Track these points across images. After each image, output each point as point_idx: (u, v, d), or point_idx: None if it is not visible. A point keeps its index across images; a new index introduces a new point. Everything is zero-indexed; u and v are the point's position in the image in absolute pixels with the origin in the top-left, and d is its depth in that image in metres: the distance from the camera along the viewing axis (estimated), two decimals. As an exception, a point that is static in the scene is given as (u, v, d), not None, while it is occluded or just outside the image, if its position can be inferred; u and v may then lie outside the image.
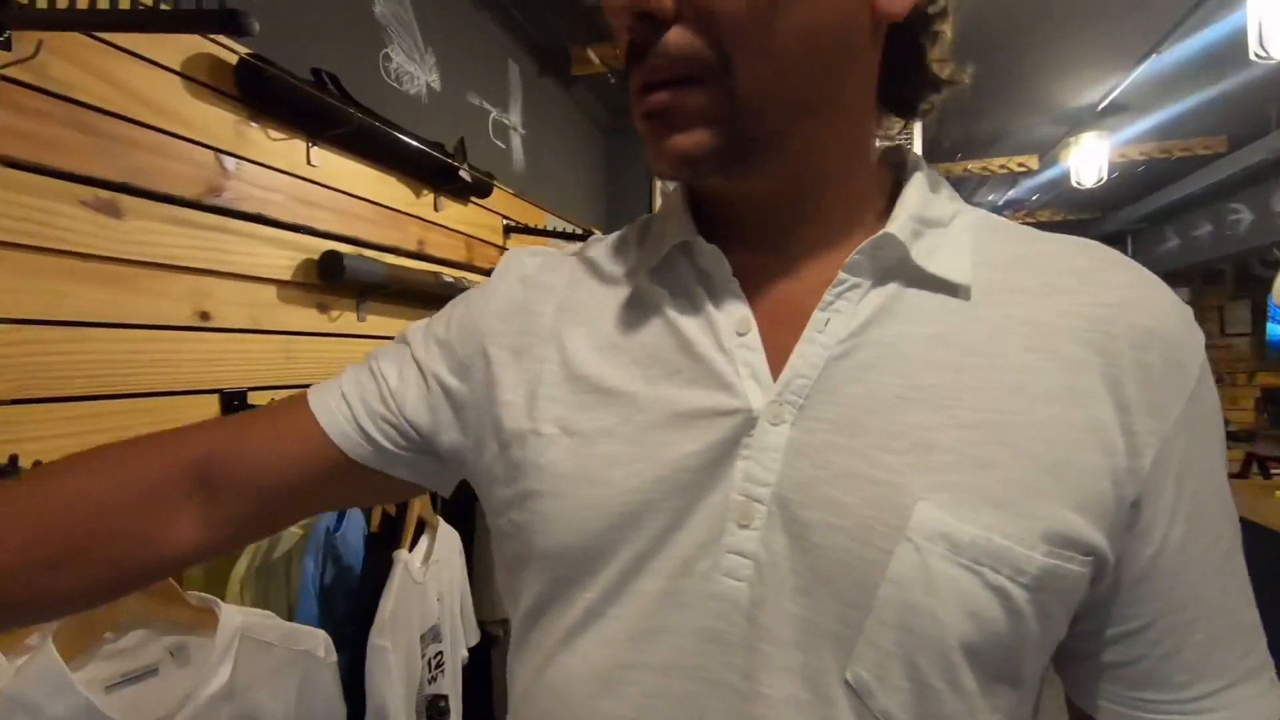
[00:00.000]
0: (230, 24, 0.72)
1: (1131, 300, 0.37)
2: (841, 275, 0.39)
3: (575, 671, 0.40)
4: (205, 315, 1.13)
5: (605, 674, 0.39)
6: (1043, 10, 2.47)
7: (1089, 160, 3.45)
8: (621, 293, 0.45)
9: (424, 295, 1.65)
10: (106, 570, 0.45)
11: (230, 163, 1.18)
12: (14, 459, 0.70)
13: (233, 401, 1.17)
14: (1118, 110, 3.35)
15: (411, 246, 1.67)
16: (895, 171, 0.45)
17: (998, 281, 0.39)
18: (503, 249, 2.14)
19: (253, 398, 1.19)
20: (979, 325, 0.37)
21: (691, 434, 0.38)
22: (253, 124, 1.23)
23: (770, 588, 0.36)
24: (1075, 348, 0.36)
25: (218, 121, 1.16)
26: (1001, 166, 3.91)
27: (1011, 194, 4.92)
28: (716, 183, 0.41)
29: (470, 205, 1.95)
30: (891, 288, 0.39)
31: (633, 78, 0.38)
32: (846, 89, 0.39)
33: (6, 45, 0.85)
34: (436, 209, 1.79)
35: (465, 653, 1.25)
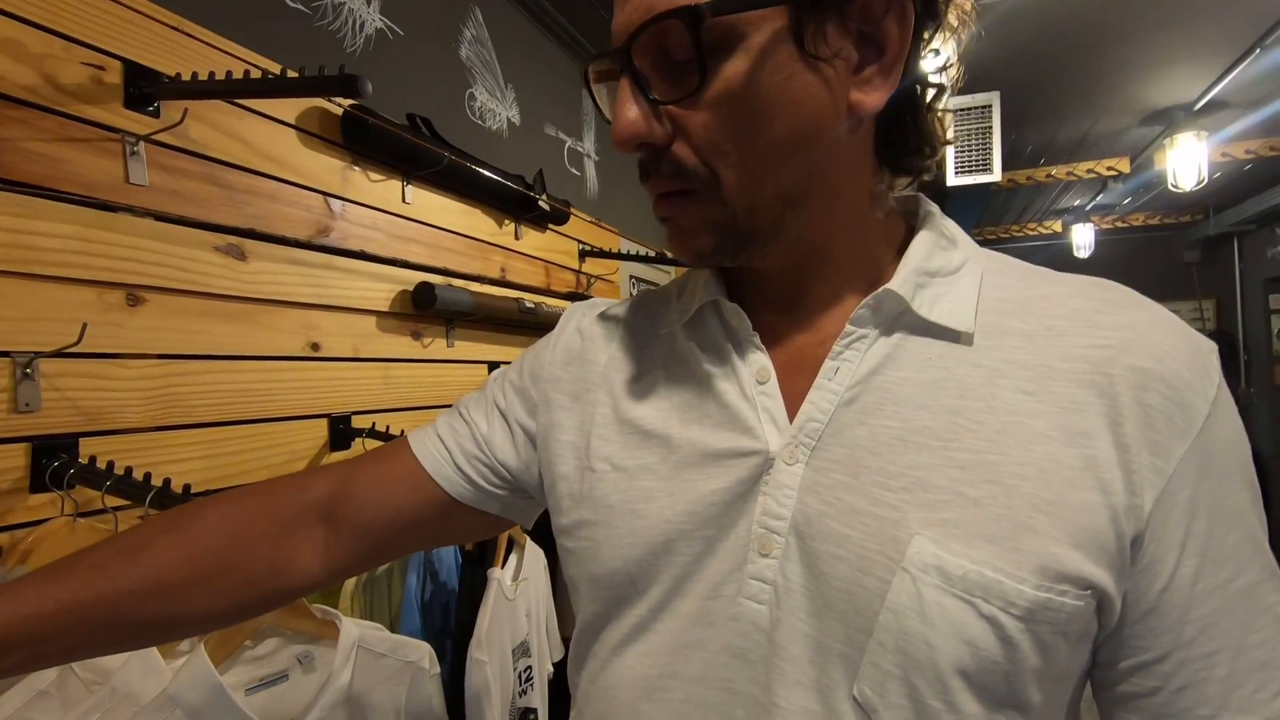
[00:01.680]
0: (349, 88, 0.80)
1: (1130, 341, 0.39)
2: (848, 328, 0.43)
3: (623, 678, 0.45)
4: (316, 346, 1.23)
5: (648, 681, 0.44)
6: (1130, 8, 2.37)
7: (1187, 161, 3.25)
8: (661, 343, 0.51)
9: (506, 321, 1.73)
10: (240, 590, 0.51)
11: (336, 205, 1.29)
12: (167, 481, 0.79)
13: (339, 425, 1.26)
14: (1217, 108, 3.15)
15: (495, 274, 1.75)
16: (910, 220, 0.49)
17: (1000, 326, 0.42)
18: (579, 273, 2.20)
19: (356, 421, 1.28)
20: (977, 370, 0.40)
21: (718, 472, 0.43)
22: (355, 168, 1.33)
23: (786, 611, 0.40)
24: (1073, 389, 0.38)
25: (326, 168, 1.27)
26: (1089, 171, 3.73)
27: (1101, 198, 4.67)
28: (727, 265, 0.46)
29: (548, 232, 2.03)
30: (897, 337, 0.43)
31: (647, 189, 0.44)
32: (830, 176, 0.42)
33: (156, 113, 0.96)
34: (517, 237, 1.87)
35: (550, 667, 1.29)
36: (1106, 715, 0.41)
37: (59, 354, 0.83)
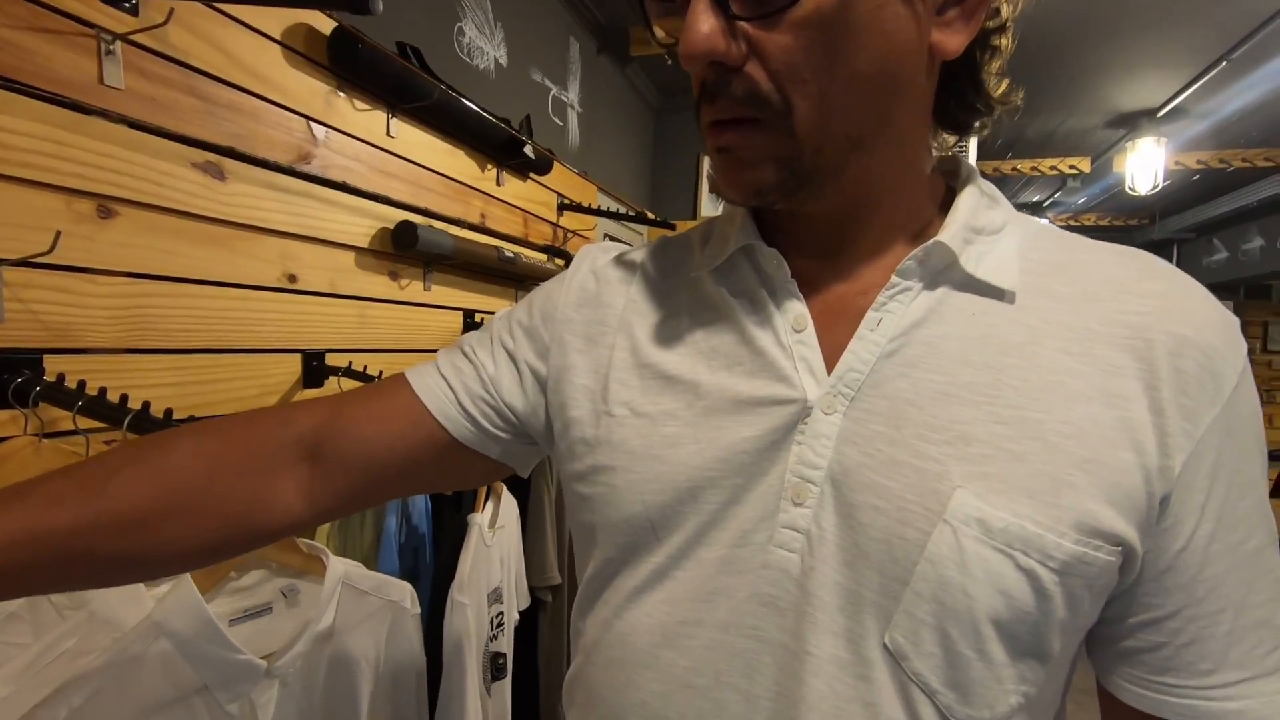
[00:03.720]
0: (358, 3, 0.75)
1: (1168, 309, 0.40)
2: (894, 279, 0.42)
3: (640, 625, 0.45)
4: (292, 278, 1.18)
5: (668, 628, 0.44)
6: (1114, 10, 2.42)
7: (1145, 166, 3.38)
8: (686, 289, 0.50)
9: (485, 268, 1.69)
10: (215, 527, 0.47)
11: (319, 131, 1.22)
12: (146, 405, 0.75)
13: (312, 362, 1.22)
14: (1178, 116, 3.27)
15: (474, 220, 1.71)
16: (949, 179, 0.49)
17: (1041, 288, 0.42)
18: (556, 225, 2.16)
19: (330, 359, 1.24)
20: (1020, 328, 0.41)
21: (750, 420, 0.43)
22: (340, 94, 1.27)
23: (819, 559, 0.40)
24: (1112, 353, 0.39)
25: (310, 90, 1.20)
26: (1052, 168, 3.84)
27: (1058, 196, 4.83)
28: (779, 207, 0.44)
29: (529, 181, 1.98)
30: (940, 291, 0.43)
31: (703, 114, 0.42)
32: (898, 121, 0.42)
33: (134, 11, 0.89)
34: (499, 184, 1.82)
35: (517, 615, 1.30)
36: (1105, 669, 0.43)
37: (25, 263, 0.78)
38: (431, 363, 0.54)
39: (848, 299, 0.44)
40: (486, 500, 1.14)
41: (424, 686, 0.90)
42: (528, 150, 1.76)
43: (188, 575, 0.64)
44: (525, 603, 1.35)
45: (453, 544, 1.03)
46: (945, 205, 0.46)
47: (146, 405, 0.75)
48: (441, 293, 1.60)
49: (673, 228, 2.21)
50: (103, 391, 0.76)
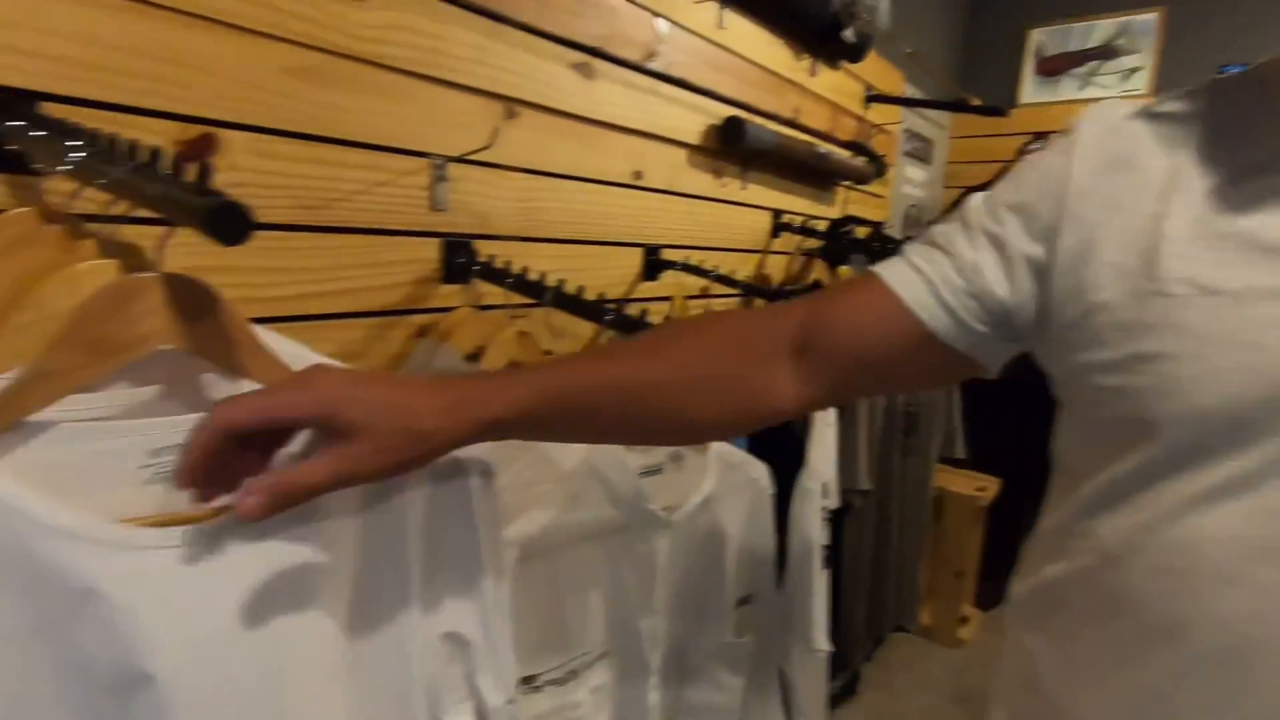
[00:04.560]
0: None
1: None
2: None
3: (1212, 535, 0.40)
4: (638, 175, 1.25)
5: (1263, 543, 0.38)
6: None
7: None
8: (1277, 137, 0.40)
9: (798, 166, 1.64)
10: (732, 402, 0.53)
11: (663, 26, 1.24)
12: (561, 282, 0.85)
13: (650, 256, 1.29)
14: None
15: (788, 114, 1.64)
16: None
17: None
18: (860, 119, 2.01)
19: (666, 254, 1.31)
20: None
21: None
22: (680, -15, 1.27)
23: None
24: None
25: (655, -16, 1.22)
26: None
27: None
28: None
29: (839, 71, 1.85)
30: None
31: None
32: None
33: (532, -83, 0.95)
34: (812, 74, 1.72)
35: (829, 513, 1.32)
36: None
37: (460, 160, 0.91)
38: (900, 257, 0.54)
39: None
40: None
41: (774, 563, 0.95)
42: (848, 33, 1.63)
43: (611, 431, 0.72)
44: (835, 504, 1.36)
45: (773, 440, 1.05)
46: None
47: (561, 283, 0.84)
48: (755, 191, 1.59)
49: (1002, 113, 1.92)
50: (524, 271, 0.88)
